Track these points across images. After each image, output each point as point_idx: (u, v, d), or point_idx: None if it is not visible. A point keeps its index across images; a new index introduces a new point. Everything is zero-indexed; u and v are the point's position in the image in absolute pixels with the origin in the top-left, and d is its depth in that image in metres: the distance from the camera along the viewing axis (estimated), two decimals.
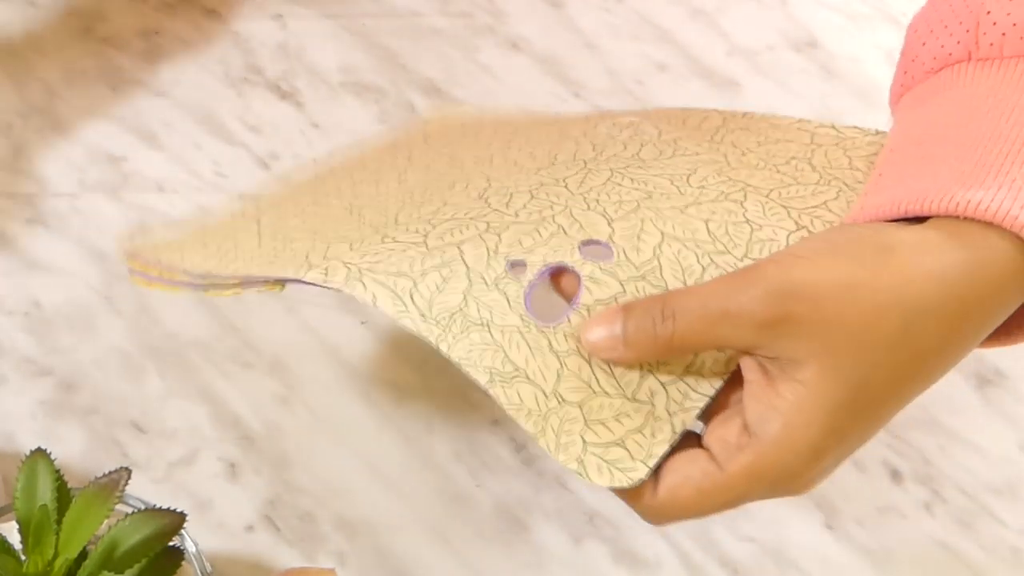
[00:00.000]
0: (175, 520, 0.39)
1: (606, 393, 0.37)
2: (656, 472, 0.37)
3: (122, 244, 0.50)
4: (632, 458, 0.37)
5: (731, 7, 0.70)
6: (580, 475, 0.36)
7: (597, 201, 0.42)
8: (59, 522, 0.38)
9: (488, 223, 0.41)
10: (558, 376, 0.37)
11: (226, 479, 0.54)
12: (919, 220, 0.37)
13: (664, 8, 0.69)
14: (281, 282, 0.41)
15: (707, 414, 0.39)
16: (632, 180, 0.43)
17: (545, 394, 0.37)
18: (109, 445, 0.55)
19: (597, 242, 0.40)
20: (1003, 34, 0.38)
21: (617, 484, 0.36)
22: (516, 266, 0.39)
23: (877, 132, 0.45)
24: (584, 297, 0.38)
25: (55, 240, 0.60)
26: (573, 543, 0.54)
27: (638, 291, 0.39)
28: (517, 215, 0.41)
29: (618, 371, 0.38)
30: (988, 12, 0.39)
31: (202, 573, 0.43)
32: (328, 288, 0.39)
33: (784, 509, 0.54)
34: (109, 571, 0.37)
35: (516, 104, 0.64)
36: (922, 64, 0.42)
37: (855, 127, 0.46)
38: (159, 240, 0.50)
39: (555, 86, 0.66)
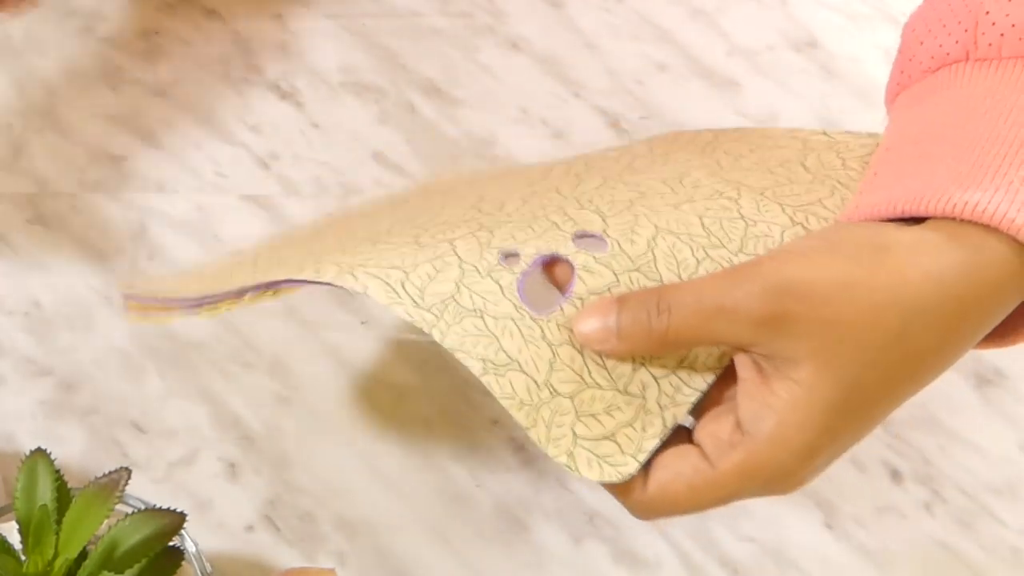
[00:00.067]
0: (175, 520, 0.39)
1: (598, 385, 0.37)
2: (646, 467, 0.37)
3: (121, 286, 0.51)
4: (622, 452, 0.37)
5: (731, 7, 0.70)
6: (570, 469, 0.36)
7: (590, 201, 0.42)
8: (59, 522, 0.38)
9: (481, 223, 0.41)
10: (551, 366, 0.37)
11: (226, 479, 0.54)
12: (915, 220, 0.37)
13: (664, 8, 0.69)
14: (274, 288, 0.41)
15: (698, 409, 0.39)
16: (625, 184, 0.43)
17: (537, 384, 0.37)
18: (109, 445, 0.55)
19: (591, 234, 0.40)
20: (1001, 35, 0.38)
21: (607, 479, 0.36)
22: (509, 257, 0.39)
23: (870, 135, 0.45)
24: (578, 287, 0.38)
25: (55, 240, 0.60)
26: (573, 543, 0.54)
27: (632, 283, 0.38)
28: (510, 216, 0.41)
29: (610, 363, 0.37)
30: (987, 12, 0.39)
31: (202, 573, 0.43)
32: (319, 283, 0.39)
33: (784, 509, 0.54)
34: (109, 571, 0.37)
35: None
36: (919, 64, 0.42)
37: (847, 132, 0.46)
38: (157, 281, 0.51)
39: (555, 86, 0.66)
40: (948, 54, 0.40)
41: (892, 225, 0.37)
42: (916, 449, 0.56)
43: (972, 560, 0.54)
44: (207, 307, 0.44)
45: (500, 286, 0.38)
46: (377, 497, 0.54)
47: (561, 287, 0.39)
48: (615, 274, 0.38)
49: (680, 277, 0.39)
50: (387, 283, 0.38)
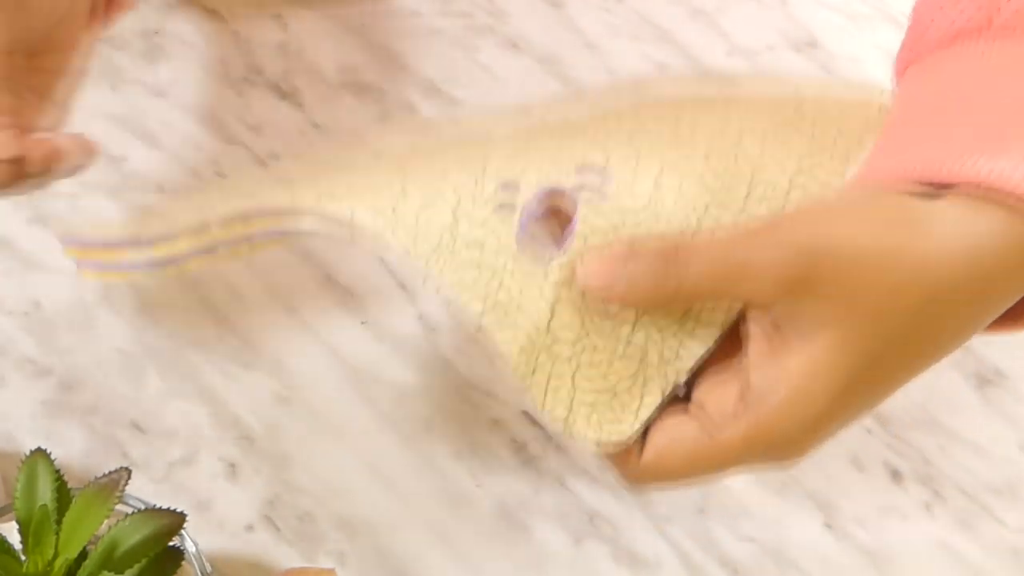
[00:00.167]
0: (175, 520, 0.39)
1: (599, 337, 0.35)
2: (643, 433, 0.36)
3: (58, 230, 0.48)
4: (622, 413, 0.35)
5: (731, 7, 0.70)
6: (567, 426, 0.35)
7: (584, 131, 0.39)
8: (59, 522, 0.38)
9: (472, 150, 0.38)
10: (552, 312, 0.35)
11: (226, 479, 0.54)
12: (932, 189, 0.35)
13: (664, 8, 0.69)
14: (248, 239, 0.38)
15: (696, 373, 0.37)
16: (619, 118, 0.40)
17: (538, 330, 0.34)
18: (109, 445, 0.55)
19: (593, 166, 0.37)
20: (1017, 11, 0.37)
21: (605, 439, 0.35)
22: (508, 187, 0.36)
23: (864, 87, 0.43)
24: (581, 226, 0.36)
25: (55, 240, 0.60)
26: (573, 543, 0.54)
27: (638, 225, 0.36)
28: (502, 143, 0.38)
29: (611, 314, 0.35)
30: None
31: (202, 573, 0.43)
32: (299, 215, 0.35)
33: (784, 509, 0.54)
34: (109, 571, 0.37)
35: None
36: (931, 38, 0.40)
37: (840, 80, 0.44)
38: (104, 226, 0.47)
39: (555, 86, 0.66)
40: (961, 30, 0.39)
41: (916, 195, 0.35)
42: (916, 449, 0.56)
43: (972, 560, 0.54)
44: (171, 266, 0.40)
45: (499, 218, 0.35)
46: (377, 497, 0.54)
47: (562, 223, 0.37)
48: (620, 214, 0.36)
49: (688, 222, 0.37)
50: (375, 207, 0.35)
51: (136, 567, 0.38)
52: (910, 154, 0.36)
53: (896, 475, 0.56)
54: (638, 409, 0.35)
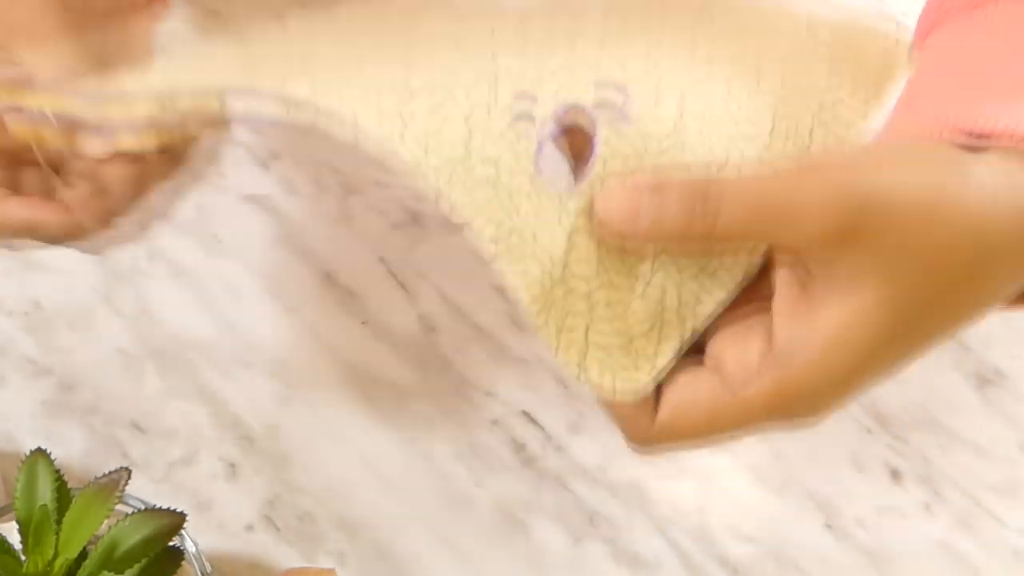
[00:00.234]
0: (175, 520, 0.39)
1: (617, 275, 0.32)
2: (655, 391, 0.33)
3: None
4: (636, 366, 0.32)
5: None
6: (579, 378, 0.32)
7: (599, 42, 0.36)
8: (59, 522, 0.38)
9: (481, 47, 0.35)
10: (569, 243, 0.32)
11: (226, 479, 0.54)
12: (968, 137, 0.33)
13: None
14: (219, 97, 0.34)
15: (713, 325, 0.34)
16: (627, 33, 0.37)
17: (553, 263, 0.31)
18: (109, 445, 0.55)
19: (614, 83, 0.34)
20: None
21: (619, 393, 0.32)
22: (525, 97, 0.33)
23: (879, 27, 0.41)
24: (602, 149, 0.32)
25: None
26: (573, 543, 0.53)
27: (663, 153, 0.33)
28: (509, 43, 0.35)
29: (629, 255, 0.32)
30: None
31: (202, 573, 0.43)
32: (287, 102, 0.32)
33: (784, 509, 0.54)
34: (109, 571, 0.37)
35: None
36: (953, 4, 0.38)
37: (852, 20, 0.41)
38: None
39: None
40: None
41: (959, 147, 0.33)
42: (916, 449, 0.56)
43: (972, 560, 0.54)
44: (116, 105, 0.36)
45: (516, 133, 0.32)
46: (377, 497, 0.54)
47: (580, 143, 0.34)
48: (643, 140, 0.33)
49: (713, 154, 0.34)
50: (380, 108, 0.31)
51: (136, 567, 0.38)
52: (944, 105, 0.34)
53: (896, 475, 0.56)
54: (655, 357, 0.32)
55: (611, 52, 0.35)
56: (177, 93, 0.34)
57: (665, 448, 0.34)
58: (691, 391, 0.33)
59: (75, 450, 0.54)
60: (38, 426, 0.55)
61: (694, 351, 0.34)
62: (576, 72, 0.34)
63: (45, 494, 0.38)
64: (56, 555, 0.38)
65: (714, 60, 0.37)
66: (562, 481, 0.55)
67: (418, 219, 0.60)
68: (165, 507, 0.40)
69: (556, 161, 0.33)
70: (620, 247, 0.32)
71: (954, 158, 0.32)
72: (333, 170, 0.62)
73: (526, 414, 0.56)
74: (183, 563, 0.40)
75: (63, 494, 0.39)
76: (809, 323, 0.32)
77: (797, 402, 0.32)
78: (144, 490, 0.50)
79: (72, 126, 0.38)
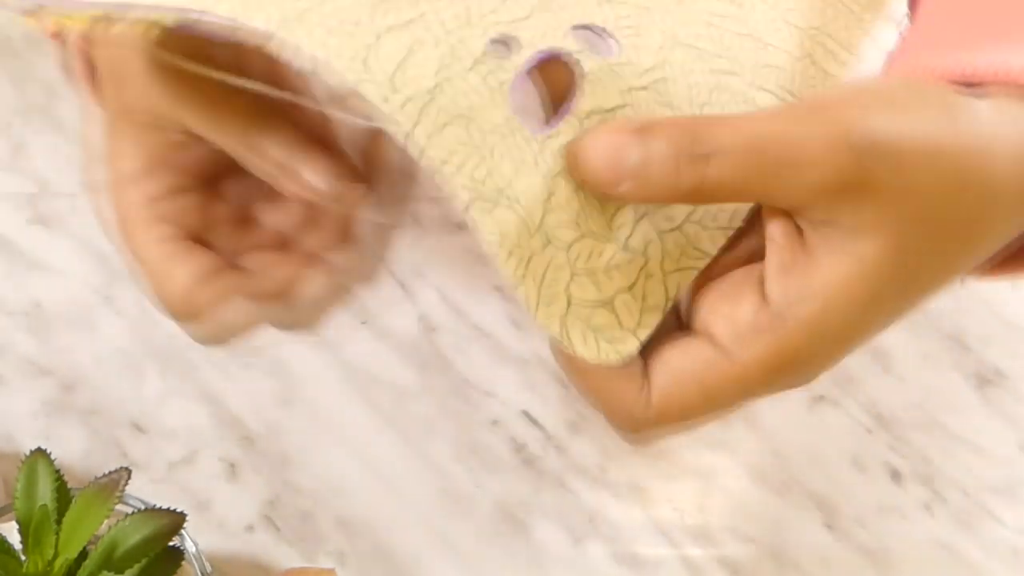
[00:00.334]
0: (175, 520, 0.39)
1: (594, 234, 0.30)
2: (645, 370, 0.31)
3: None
4: (620, 326, 0.30)
5: None
6: (562, 343, 0.30)
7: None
8: (59, 522, 0.38)
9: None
10: (546, 204, 0.29)
11: (226, 479, 0.54)
12: (963, 85, 0.32)
13: None
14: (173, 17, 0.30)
15: (698, 293, 0.32)
16: None
17: (530, 227, 0.29)
18: (109, 445, 0.55)
19: (590, 27, 0.32)
20: None
21: (604, 358, 0.30)
22: (500, 44, 0.30)
23: None
24: (580, 102, 0.30)
25: (55, 240, 0.60)
26: (573, 543, 0.53)
27: (643, 104, 0.31)
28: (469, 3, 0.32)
29: (609, 206, 0.30)
30: None
31: (202, 573, 0.43)
32: (240, 32, 0.28)
33: (784, 509, 0.54)
34: (109, 571, 0.37)
35: None
36: None
37: None
38: None
39: None
40: None
41: (958, 91, 0.31)
42: (916, 449, 0.56)
43: (972, 560, 0.54)
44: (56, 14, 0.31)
45: (490, 85, 0.29)
46: (377, 497, 0.54)
47: (558, 81, 0.31)
48: (624, 89, 0.31)
49: (693, 104, 0.32)
50: (343, 56, 0.28)
51: (136, 567, 0.38)
52: (937, 55, 0.32)
53: (896, 475, 0.56)
54: (636, 327, 0.31)
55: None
56: (122, 18, 0.30)
57: (662, 431, 0.32)
58: (682, 363, 0.31)
59: (75, 450, 0.54)
60: (38, 426, 0.55)
61: (679, 328, 0.33)
62: (552, 11, 0.32)
63: (45, 494, 0.38)
64: (56, 555, 0.38)
65: None
66: (562, 481, 0.55)
67: (418, 219, 0.60)
68: (165, 507, 0.40)
69: (533, 97, 0.31)
70: (598, 207, 0.30)
71: (954, 100, 0.30)
72: None
73: (526, 414, 0.56)
74: (183, 563, 0.40)
75: (63, 494, 0.39)
76: (807, 277, 0.30)
77: (798, 361, 0.30)
78: (144, 490, 0.50)
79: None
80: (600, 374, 0.32)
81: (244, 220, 0.38)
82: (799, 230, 0.30)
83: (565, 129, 0.30)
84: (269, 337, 0.37)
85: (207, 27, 0.28)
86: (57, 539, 0.38)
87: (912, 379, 0.58)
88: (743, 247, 0.33)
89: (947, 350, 0.59)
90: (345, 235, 0.37)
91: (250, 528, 0.53)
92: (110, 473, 0.39)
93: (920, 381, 0.58)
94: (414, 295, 0.58)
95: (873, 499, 0.55)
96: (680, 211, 0.31)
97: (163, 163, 0.36)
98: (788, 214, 0.30)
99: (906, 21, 0.44)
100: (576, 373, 0.32)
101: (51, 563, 0.37)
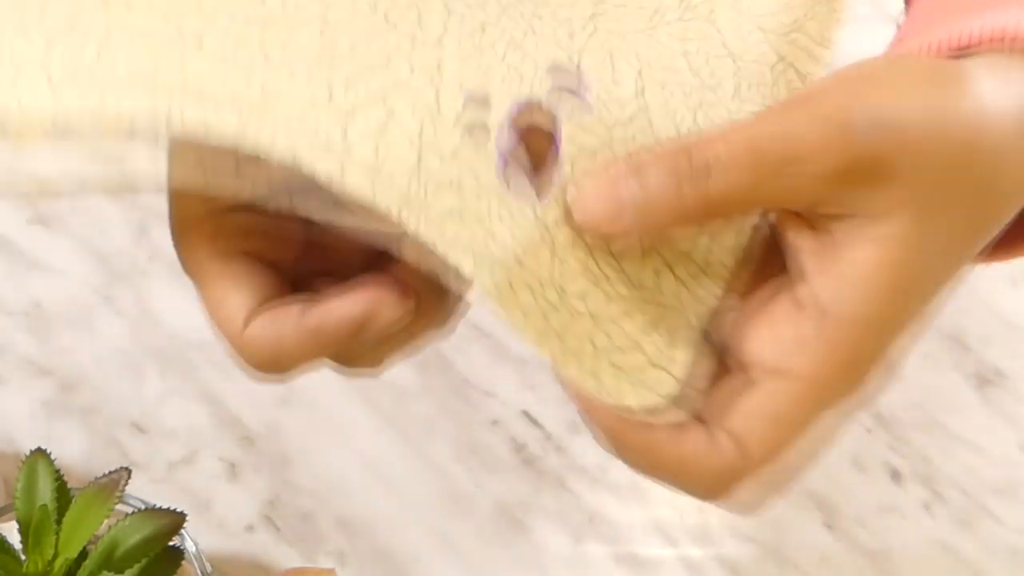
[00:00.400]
0: (175, 520, 0.39)
1: (607, 279, 0.29)
2: (701, 425, 0.29)
3: None
4: (654, 366, 0.29)
5: None
6: (599, 394, 0.29)
7: (539, 19, 0.32)
8: (59, 522, 0.38)
9: (412, 41, 0.30)
10: (552, 257, 0.29)
11: (226, 479, 0.54)
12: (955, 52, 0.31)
13: None
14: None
15: (729, 335, 0.31)
16: None
17: (542, 283, 0.29)
18: (109, 445, 0.55)
19: (565, 69, 0.31)
20: None
21: (645, 402, 0.29)
22: (475, 101, 0.30)
23: None
24: (566, 148, 0.29)
25: (55, 240, 0.60)
26: (573, 543, 0.53)
27: (630, 140, 0.30)
28: (442, 43, 0.31)
29: (616, 248, 0.30)
30: None
31: (202, 573, 0.43)
32: (211, 132, 0.27)
33: (784, 509, 0.54)
34: (109, 571, 0.37)
35: None
36: None
37: None
38: None
39: None
40: None
41: (947, 59, 0.30)
42: (916, 449, 0.56)
43: (972, 560, 0.54)
44: None
45: (473, 147, 0.29)
46: (377, 497, 0.54)
47: (539, 145, 0.30)
48: (608, 128, 0.30)
49: (682, 128, 0.31)
50: (316, 142, 0.27)
51: (136, 567, 0.38)
52: (928, 35, 0.32)
53: (896, 475, 0.56)
54: (671, 364, 0.30)
55: (552, 26, 0.32)
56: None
57: (754, 480, 0.30)
58: (748, 402, 0.29)
59: (75, 450, 0.54)
60: (38, 426, 0.55)
61: (724, 372, 0.31)
62: (524, 49, 0.31)
63: (45, 494, 0.38)
64: (56, 555, 0.38)
65: (662, 4, 0.34)
66: (562, 481, 0.55)
67: None
68: (165, 507, 0.40)
69: (520, 170, 0.30)
70: (607, 251, 0.30)
71: (949, 67, 0.30)
72: None
73: (526, 414, 0.56)
74: (183, 563, 0.40)
75: (63, 494, 0.39)
76: (840, 273, 0.28)
77: (854, 358, 0.29)
78: (144, 490, 0.50)
79: None
80: (663, 447, 0.30)
81: (314, 240, 0.33)
82: (819, 231, 0.29)
83: (559, 195, 0.29)
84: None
85: (176, 128, 0.27)
86: (57, 539, 0.38)
87: (912, 379, 0.58)
88: (758, 280, 0.31)
89: (947, 350, 0.59)
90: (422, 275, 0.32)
91: (250, 528, 0.53)
92: (110, 473, 0.39)
93: (920, 381, 0.58)
94: None
95: (873, 499, 0.55)
96: (685, 241, 0.31)
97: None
98: (803, 219, 0.29)
99: (903, 18, 0.44)
100: (639, 454, 0.30)
101: (51, 563, 0.37)
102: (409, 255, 0.30)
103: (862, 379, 0.29)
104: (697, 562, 0.53)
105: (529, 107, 0.30)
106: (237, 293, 0.32)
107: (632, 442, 0.30)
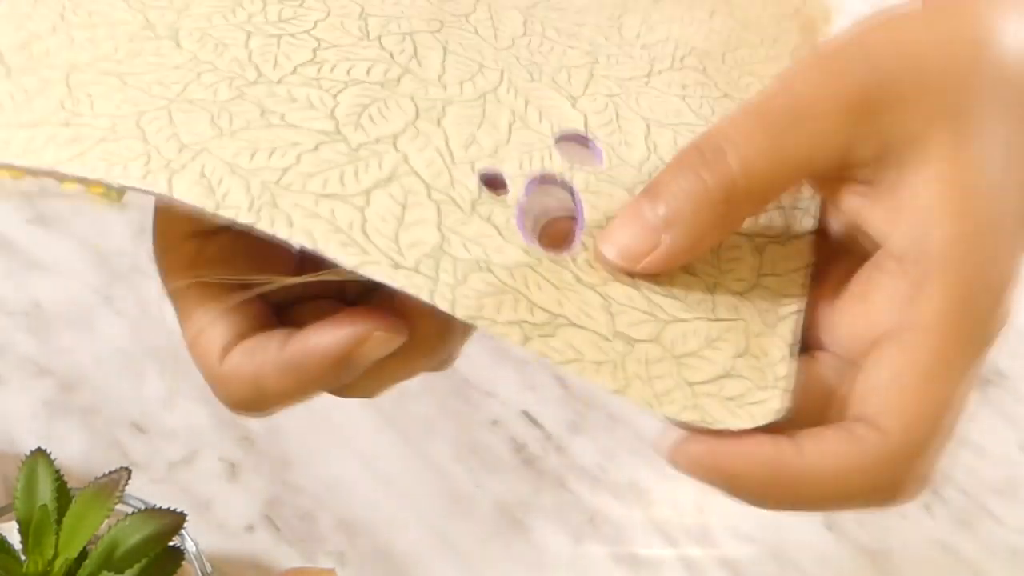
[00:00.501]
0: (175, 520, 0.39)
1: (678, 319, 0.29)
2: (830, 430, 0.27)
3: None
4: (757, 387, 0.28)
5: None
6: (706, 424, 0.27)
7: (537, 65, 0.32)
8: (59, 522, 0.38)
9: (414, 99, 0.30)
10: (608, 312, 0.28)
11: (226, 479, 0.54)
12: None
13: None
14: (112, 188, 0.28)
15: (818, 329, 0.29)
16: (557, 31, 0.34)
17: (605, 337, 0.28)
18: (109, 445, 0.55)
19: (574, 136, 0.31)
20: None
21: (759, 420, 0.28)
22: (490, 180, 0.30)
23: None
24: (589, 214, 0.29)
25: (55, 240, 0.60)
26: (573, 543, 0.53)
27: (642, 183, 0.30)
28: (444, 84, 0.31)
29: (677, 289, 0.29)
30: None
31: (202, 573, 0.43)
32: (219, 216, 0.26)
33: None
34: (109, 571, 0.37)
35: None
36: None
37: None
38: None
39: None
40: None
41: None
42: None
43: (972, 560, 0.54)
44: None
45: (495, 225, 0.28)
46: (377, 497, 0.54)
47: (555, 216, 0.30)
48: (626, 191, 0.30)
49: None
50: (337, 226, 0.27)
51: (136, 567, 0.38)
52: None
53: None
54: (776, 380, 0.28)
55: (552, 80, 0.32)
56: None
57: (925, 458, 0.28)
58: (874, 383, 0.26)
59: (75, 450, 0.54)
60: (38, 426, 0.55)
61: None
62: (527, 125, 0.31)
63: (45, 494, 0.38)
64: (56, 555, 0.37)
65: (648, 45, 0.34)
66: (562, 481, 0.55)
67: None
68: (165, 507, 0.40)
69: (547, 239, 0.30)
70: (660, 289, 0.29)
71: (940, 3, 0.28)
72: None
73: (526, 414, 0.56)
74: (183, 563, 0.40)
75: (63, 494, 0.39)
76: (909, 205, 0.26)
77: (979, 288, 0.26)
78: (144, 490, 0.50)
79: None
80: (823, 473, 0.26)
81: (309, 261, 0.31)
82: (867, 190, 0.27)
83: (588, 241, 0.29)
84: None
85: (180, 205, 0.27)
86: (57, 539, 0.38)
87: None
88: (821, 284, 0.30)
89: None
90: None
91: (250, 528, 0.53)
92: (110, 473, 0.39)
93: None
94: None
95: None
96: (747, 268, 0.30)
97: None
98: (847, 185, 0.28)
99: None
100: (790, 491, 0.27)
101: (51, 563, 0.37)
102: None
103: (988, 309, 0.26)
104: (697, 562, 0.53)
105: (544, 179, 0.30)
106: (215, 323, 0.30)
107: (780, 479, 0.27)
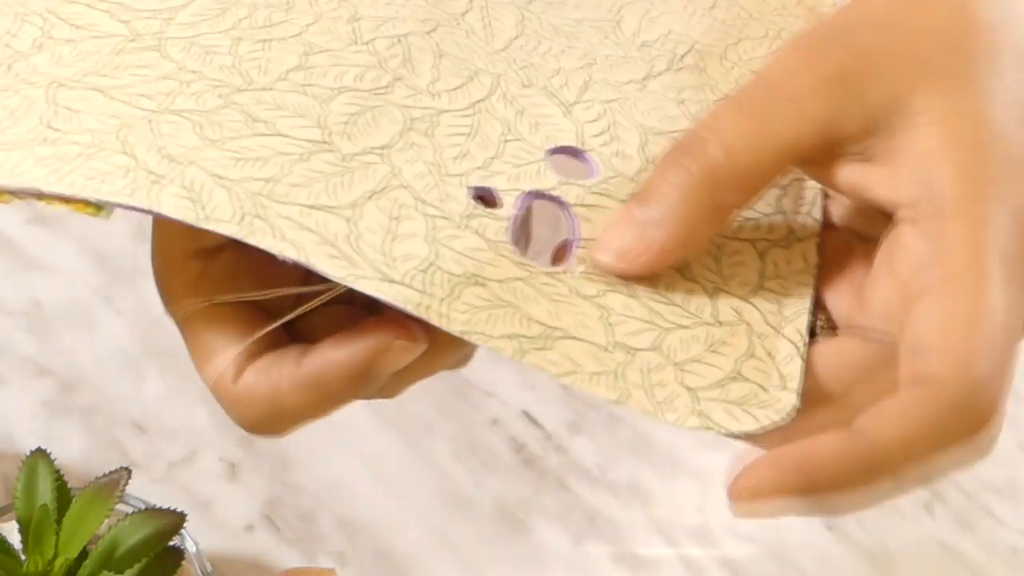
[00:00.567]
0: (175, 520, 0.39)
1: (679, 326, 0.28)
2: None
3: None
4: (764, 388, 0.28)
5: None
6: (710, 429, 0.27)
7: (532, 68, 0.32)
8: (59, 522, 0.38)
9: (405, 108, 0.30)
10: (606, 323, 0.28)
11: (226, 479, 0.54)
12: None
13: None
14: (94, 205, 0.29)
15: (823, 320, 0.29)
16: (554, 29, 0.34)
17: (603, 348, 0.28)
18: (109, 445, 0.55)
19: (568, 149, 0.31)
20: None
21: (766, 423, 0.28)
22: (481, 195, 0.29)
23: None
24: (584, 229, 0.29)
25: (55, 240, 0.60)
26: (573, 543, 0.53)
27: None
28: (435, 93, 0.30)
29: (677, 296, 0.29)
30: None
31: (202, 573, 0.43)
32: (207, 224, 0.26)
33: None
34: (109, 571, 0.37)
35: None
36: None
37: None
38: None
39: None
40: None
41: None
42: None
43: (972, 560, 0.54)
44: None
45: (487, 240, 0.28)
46: (377, 497, 0.54)
47: (551, 228, 0.30)
48: (620, 203, 0.30)
49: None
50: (326, 240, 0.26)
51: (136, 567, 0.38)
52: None
53: None
54: (783, 381, 0.28)
55: (546, 86, 0.32)
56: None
57: (999, 398, 0.27)
58: (918, 330, 0.25)
59: (75, 450, 0.54)
60: (38, 426, 0.55)
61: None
62: (524, 139, 0.31)
63: (45, 494, 0.38)
64: (56, 555, 0.37)
65: (647, 45, 0.34)
66: (562, 481, 0.55)
67: None
68: (165, 507, 0.40)
69: (530, 235, 0.30)
70: (658, 295, 0.29)
71: None
72: None
73: (526, 414, 0.56)
74: (183, 563, 0.40)
75: (63, 494, 0.39)
76: (916, 157, 0.26)
77: (998, 214, 0.25)
78: (144, 490, 0.50)
79: None
80: (898, 440, 0.26)
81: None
82: (868, 161, 0.27)
83: (581, 255, 0.29)
84: None
85: (166, 219, 0.27)
86: (57, 539, 0.38)
87: None
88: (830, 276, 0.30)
89: None
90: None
91: (250, 528, 0.53)
92: (110, 473, 0.39)
93: None
94: None
95: None
96: (751, 272, 0.30)
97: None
98: (848, 162, 0.27)
99: None
100: (885, 465, 0.26)
101: (51, 563, 0.37)
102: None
103: (1009, 230, 0.26)
104: (697, 562, 0.53)
105: (537, 196, 0.30)
106: (226, 343, 0.30)
107: (857, 461, 0.26)
